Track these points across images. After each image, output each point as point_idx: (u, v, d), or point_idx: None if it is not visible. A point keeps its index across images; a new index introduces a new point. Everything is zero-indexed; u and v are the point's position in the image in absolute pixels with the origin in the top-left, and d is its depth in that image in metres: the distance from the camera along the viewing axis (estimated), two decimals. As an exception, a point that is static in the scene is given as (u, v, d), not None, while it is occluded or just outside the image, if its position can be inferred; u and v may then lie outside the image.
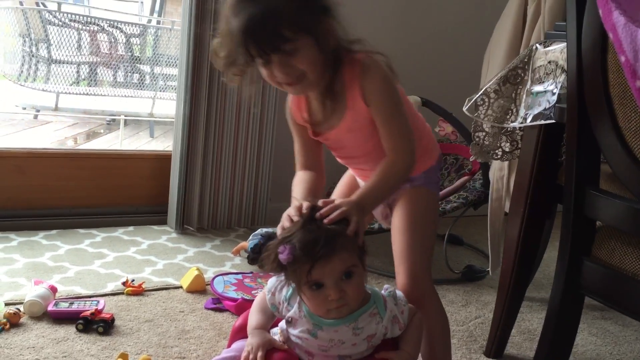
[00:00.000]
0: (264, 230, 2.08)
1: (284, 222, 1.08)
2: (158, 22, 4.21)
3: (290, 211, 1.09)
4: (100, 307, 1.56)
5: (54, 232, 2.17)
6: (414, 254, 1.21)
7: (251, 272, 1.91)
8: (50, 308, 1.55)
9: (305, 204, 1.08)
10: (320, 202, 1.08)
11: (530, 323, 1.80)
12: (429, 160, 1.31)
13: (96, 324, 1.50)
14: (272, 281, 1.15)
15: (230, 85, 1.26)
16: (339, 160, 1.35)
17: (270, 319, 1.19)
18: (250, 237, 2.05)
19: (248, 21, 1.06)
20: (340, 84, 1.17)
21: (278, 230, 1.08)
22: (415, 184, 1.27)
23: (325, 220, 1.04)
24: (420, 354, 1.19)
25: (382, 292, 1.12)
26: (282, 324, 1.15)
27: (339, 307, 1.03)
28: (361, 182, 1.37)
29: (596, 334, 1.77)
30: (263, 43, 1.07)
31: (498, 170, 1.92)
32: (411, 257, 1.21)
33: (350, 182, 1.42)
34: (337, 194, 1.41)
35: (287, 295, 1.11)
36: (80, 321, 1.50)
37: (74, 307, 1.56)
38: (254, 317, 1.18)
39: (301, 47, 1.09)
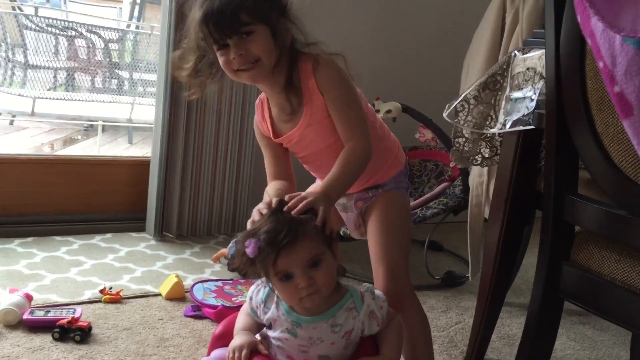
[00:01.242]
0: (244, 236, 2.07)
1: (254, 216, 1.11)
2: (137, 28, 4.17)
3: (260, 206, 1.11)
4: (77, 315, 1.53)
5: (29, 239, 2.13)
6: (391, 253, 1.24)
7: (231, 279, 1.90)
8: (25, 316, 1.52)
9: (275, 199, 1.10)
10: (286, 197, 1.09)
11: (509, 328, 1.81)
12: (397, 166, 1.36)
13: (73, 333, 1.48)
14: (252, 287, 1.15)
15: (190, 99, 1.35)
16: (305, 167, 1.38)
17: (256, 323, 1.18)
18: (230, 244, 2.02)
19: (209, 7, 1.14)
20: (297, 79, 1.22)
21: (248, 225, 1.10)
22: (386, 189, 1.32)
23: (293, 212, 1.05)
24: (402, 356, 1.19)
25: (361, 288, 1.12)
26: (263, 330, 1.15)
27: (310, 295, 1.03)
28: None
29: (575, 338, 1.78)
30: (222, 25, 1.14)
31: (478, 176, 1.94)
32: (388, 256, 1.23)
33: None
34: None
35: (262, 297, 1.12)
36: (57, 330, 1.48)
37: (50, 315, 1.54)
38: (240, 319, 1.19)
39: (257, 33, 1.16)
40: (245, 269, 1.07)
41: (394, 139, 1.39)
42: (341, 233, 1.84)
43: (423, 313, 1.29)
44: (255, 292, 1.14)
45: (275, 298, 1.11)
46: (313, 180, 1.43)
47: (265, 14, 1.16)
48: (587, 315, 1.93)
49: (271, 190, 1.28)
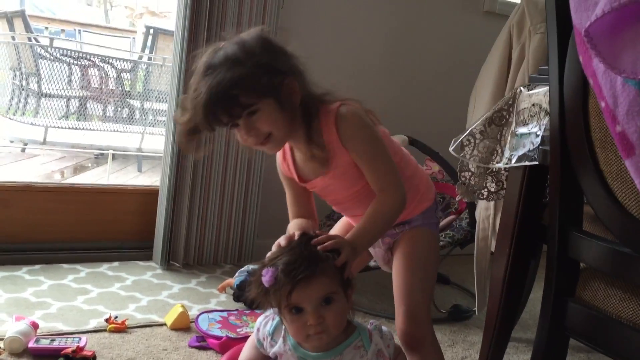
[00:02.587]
0: (251, 267, 2.07)
1: (274, 248, 1.11)
2: (149, 58, 4.24)
3: (282, 239, 1.11)
4: (82, 344, 1.53)
5: (37, 267, 2.14)
6: (414, 294, 1.21)
7: (236, 310, 1.89)
8: (31, 345, 1.53)
9: (297, 233, 1.10)
10: (314, 232, 1.10)
11: (516, 364, 1.79)
12: (425, 202, 1.34)
13: (77, 362, 1.48)
14: (260, 319, 1.16)
15: (184, 152, 1.34)
16: (332, 207, 1.37)
17: (262, 356, 1.19)
18: (237, 274, 2.05)
19: (208, 94, 1.09)
20: (318, 134, 1.18)
21: (266, 258, 1.10)
22: (413, 225, 1.30)
23: (320, 247, 1.06)
24: None
25: (368, 326, 1.12)
26: None
27: (317, 334, 1.03)
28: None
29: (582, 375, 1.76)
30: (222, 114, 1.12)
31: (484, 209, 1.94)
32: (410, 297, 1.21)
33: (347, 227, 1.41)
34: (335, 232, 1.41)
35: (270, 330, 1.12)
36: (61, 359, 1.48)
37: (55, 344, 1.54)
38: (245, 351, 1.20)
39: (262, 109, 1.12)
40: (258, 298, 1.07)
41: (421, 175, 1.36)
42: (371, 265, 1.84)
43: (441, 354, 1.27)
44: (264, 323, 1.14)
45: (283, 332, 1.10)
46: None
47: (265, 87, 1.12)
48: (593, 352, 1.90)
49: (293, 227, 1.26)
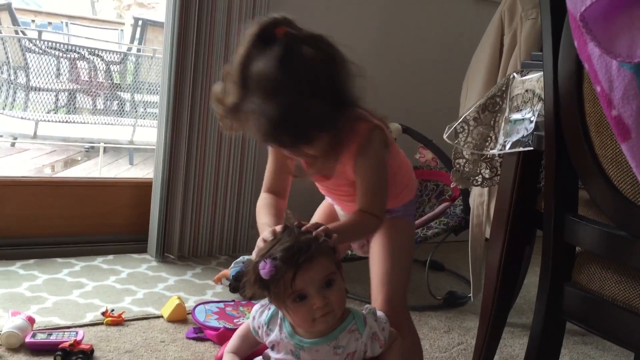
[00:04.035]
0: (246, 257, 2.07)
1: (259, 244, 1.11)
2: (138, 50, 4.21)
3: (266, 235, 1.11)
4: (79, 338, 1.53)
5: (31, 261, 2.13)
6: (392, 281, 1.25)
7: (233, 301, 1.90)
8: (27, 339, 1.52)
9: (279, 227, 1.11)
10: (298, 222, 1.11)
11: (512, 349, 1.81)
12: (409, 195, 1.38)
13: (75, 356, 1.47)
14: (256, 307, 1.16)
15: (225, 132, 1.29)
16: (323, 191, 1.40)
17: (249, 347, 1.21)
18: (232, 265, 2.05)
19: (266, 123, 1.07)
20: (340, 146, 1.18)
21: (253, 255, 1.10)
22: (394, 215, 1.33)
23: (315, 232, 1.07)
24: None
25: (363, 310, 1.13)
26: (266, 351, 1.15)
27: (324, 315, 1.04)
28: (340, 211, 1.42)
29: (577, 358, 1.78)
30: (286, 139, 1.11)
31: (478, 196, 1.95)
32: (389, 285, 1.24)
33: (329, 211, 1.46)
34: (316, 220, 1.44)
35: (266, 319, 1.13)
36: (59, 353, 1.47)
37: (52, 338, 1.53)
38: (232, 341, 1.22)
39: (316, 141, 1.12)
40: (257, 293, 1.07)
41: (409, 171, 1.40)
42: (348, 253, 1.85)
43: (417, 336, 1.31)
44: (259, 312, 1.15)
45: (279, 320, 1.11)
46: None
47: (331, 123, 1.11)
48: (590, 335, 1.92)
49: (265, 215, 1.27)
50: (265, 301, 1.15)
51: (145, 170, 3.79)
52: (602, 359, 1.80)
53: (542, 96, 1.30)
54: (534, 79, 1.39)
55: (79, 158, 4.13)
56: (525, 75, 1.44)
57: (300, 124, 1.07)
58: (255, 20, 1.13)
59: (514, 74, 1.48)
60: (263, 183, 1.36)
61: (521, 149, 1.39)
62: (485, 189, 1.90)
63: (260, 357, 1.18)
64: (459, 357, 1.72)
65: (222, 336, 1.62)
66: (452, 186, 1.88)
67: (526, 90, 1.42)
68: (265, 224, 1.24)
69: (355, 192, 1.25)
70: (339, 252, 1.11)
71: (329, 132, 1.12)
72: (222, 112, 1.17)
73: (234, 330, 1.63)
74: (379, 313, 1.14)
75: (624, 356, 1.80)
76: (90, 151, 4.16)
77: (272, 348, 1.12)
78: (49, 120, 3.51)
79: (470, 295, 2.03)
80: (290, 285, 1.02)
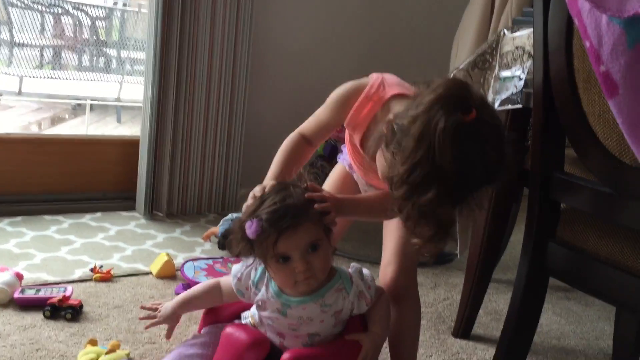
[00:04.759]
0: (235, 215, 2.06)
1: (249, 200, 1.09)
2: (124, 5, 4.12)
3: (256, 190, 1.09)
4: (67, 293, 1.54)
5: (18, 218, 2.13)
6: (408, 250, 1.21)
7: (222, 257, 1.91)
8: (16, 295, 1.53)
9: (270, 185, 1.08)
10: (307, 185, 1.08)
11: (496, 304, 1.84)
12: None
13: (64, 311, 1.49)
14: (237, 267, 1.16)
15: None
16: (348, 149, 1.30)
17: (210, 302, 1.26)
18: (221, 222, 2.03)
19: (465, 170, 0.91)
20: None
21: (243, 209, 1.09)
22: None
23: (307, 194, 1.05)
24: (387, 339, 1.22)
25: (349, 269, 1.14)
26: (253, 308, 1.16)
27: (306, 279, 1.04)
28: (358, 179, 1.33)
29: (560, 313, 1.82)
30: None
31: (466, 154, 1.95)
32: (404, 254, 1.21)
33: (343, 177, 1.37)
34: (328, 187, 1.36)
35: (254, 279, 1.13)
36: (48, 308, 1.48)
37: (41, 294, 1.54)
38: (190, 291, 1.26)
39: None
40: (242, 251, 1.07)
41: None
42: None
43: (419, 307, 1.28)
44: (246, 273, 1.14)
45: (265, 280, 1.11)
46: None
47: None
48: (573, 290, 1.96)
49: (278, 162, 1.18)
50: (248, 262, 1.15)
51: (133, 129, 3.74)
52: (585, 314, 1.83)
53: (532, 53, 1.29)
54: (524, 36, 1.38)
55: (66, 116, 4.08)
56: (515, 32, 1.43)
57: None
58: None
59: (504, 30, 1.46)
60: (303, 123, 1.24)
61: (510, 106, 1.39)
62: (474, 148, 1.90)
63: (247, 312, 1.19)
64: (444, 312, 1.75)
65: (211, 292, 1.63)
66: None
67: (516, 47, 1.41)
68: (272, 176, 1.16)
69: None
70: (333, 221, 1.07)
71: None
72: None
73: (222, 286, 1.65)
74: (365, 271, 1.15)
75: (607, 311, 1.85)
76: (77, 109, 4.11)
77: (259, 307, 1.13)
78: (34, 77, 3.45)
79: (457, 252, 2.05)
80: (272, 247, 1.02)
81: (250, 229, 1.02)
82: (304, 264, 1.03)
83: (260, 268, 1.12)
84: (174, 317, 1.28)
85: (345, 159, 1.37)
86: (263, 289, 1.11)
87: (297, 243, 1.03)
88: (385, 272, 1.21)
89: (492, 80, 1.47)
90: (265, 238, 1.02)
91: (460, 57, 2.00)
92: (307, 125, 1.23)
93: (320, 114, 1.21)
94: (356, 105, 1.15)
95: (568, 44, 1.03)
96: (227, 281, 1.20)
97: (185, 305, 1.27)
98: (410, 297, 1.23)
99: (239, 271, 1.15)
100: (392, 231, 1.25)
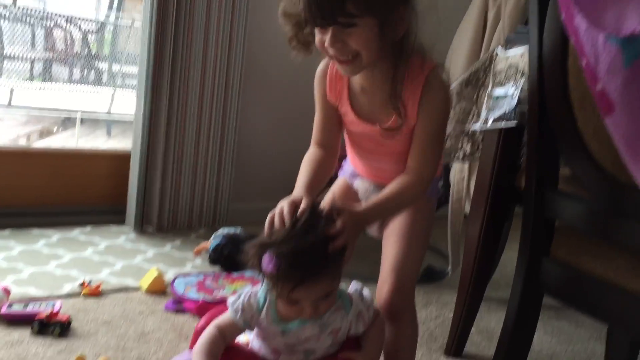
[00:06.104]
0: (226, 230, 2.06)
1: (276, 216, 1.03)
2: (116, 18, 4.12)
3: (285, 207, 1.03)
4: (56, 309, 1.52)
5: (6, 232, 2.10)
6: (405, 267, 1.18)
7: (213, 273, 1.89)
8: (3, 310, 1.50)
9: (303, 204, 1.02)
10: (323, 204, 1.06)
11: (488, 322, 1.83)
12: (438, 170, 1.29)
13: (52, 327, 1.46)
14: (233, 301, 1.10)
15: (294, 57, 1.19)
16: (351, 151, 1.29)
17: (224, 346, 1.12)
18: (212, 238, 2.04)
19: None
20: (400, 85, 1.11)
21: (267, 222, 1.03)
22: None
23: (330, 246, 1.00)
24: (383, 354, 1.20)
25: (349, 289, 1.13)
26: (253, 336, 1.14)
27: (310, 317, 1.04)
28: (359, 185, 1.32)
29: (551, 332, 1.81)
30: (323, 12, 1.02)
31: (459, 172, 1.95)
32: (402, 270, 1.17)
33: (345, 192, 1.34)
34: (330, 199, 1.32)
35: (259, 307, 1.08)
36: (36, 323, 1.46)
37: (29, 309, 1.52)
38: (205, 341, 1.09)
39: (361, 26, 1.03)
40: (253, 269, 1.03)
41: None
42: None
43: (417, 324, 1.25)
44: (247, 304, 1.08)
45: (267, 304, 1.08)
46: None
47: (378, 5, 1.02)
48: (564, 310, 1.96)
49: (304, 173, 1.17)
50: (244, 290, 1.10)
51: (123, 142, 3.72)
52: (575, 333, 1.83)
53: (525, 71, 1.30)
54: (518, 54, 1.39)
55: (55, 129, 4.05)
56: (509, 50, 1.44)
57: None
58: None
59: (499, 47, 1.48)
60: (312, 137, 1.25)
61: (504, 124, 1.39)
62: (466, 165, 1.91)
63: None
64: (436, 330, 1.74)
65: (202, 308, 1.61)
66: (433, 161, 1.88)
67: (509, 66, 1.42)
68: (301, 185, 1.15)
69: (398, 157, 1.18)
70: (349, 256, 1.04)
71: (372, 15, 1.03)
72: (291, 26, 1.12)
73: (213, 302, 1.64)
74: (365, 292, 1.14)
75: (598, 330, 1.84)
76: (67, 122, 4.08)
77: (258, 332, 1.11)
78: (24, 88, 3.43)
79: (449, 270, 2.04)
80: (287, 294, 0.99)
81: (268, 267, 0.98)
82: (313, 310, 1.02)
83: (262, 295, 1.09)
84: None
85: (346, 171, 1.37)
86: (264, 312, 1.08)
87: (313, 295, 1.01)
88: (382, 290, 1.18)
89: (486, 98, 1.48)
90: (281, 281, 0.99)
91: (454, 75, 2.01)
92: (313, 133, 1.25)
93: (315, 117, 1.24)
94: (329, 76, 1.20)
95: (563, 61, 1.03)
96: (225, 321, 1.10)
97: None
98: (407, 316, 1.20)
99: (238, 303, 1.09)
100: (390, 249, 1.22)
